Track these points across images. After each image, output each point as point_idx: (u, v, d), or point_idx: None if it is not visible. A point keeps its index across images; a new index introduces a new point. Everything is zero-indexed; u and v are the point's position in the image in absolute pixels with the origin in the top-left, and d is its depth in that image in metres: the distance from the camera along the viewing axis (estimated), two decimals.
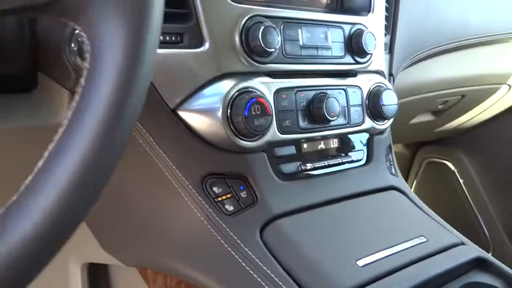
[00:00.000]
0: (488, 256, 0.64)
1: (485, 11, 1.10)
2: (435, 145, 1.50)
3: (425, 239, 0.63)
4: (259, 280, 0.54)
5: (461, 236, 0.68)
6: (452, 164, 1.48)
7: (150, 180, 0.61)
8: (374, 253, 0.58)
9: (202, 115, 0.58)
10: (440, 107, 1.18)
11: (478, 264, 0.64)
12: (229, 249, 0.56)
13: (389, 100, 0.72)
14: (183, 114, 0.58)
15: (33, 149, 0.62)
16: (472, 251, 0.64)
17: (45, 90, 0.60)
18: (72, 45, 0.54)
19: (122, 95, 0.29)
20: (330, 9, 0.74)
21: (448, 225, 0.70)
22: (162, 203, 0.61)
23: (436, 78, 1.05)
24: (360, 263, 0.56)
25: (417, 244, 0.62)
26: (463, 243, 0.66)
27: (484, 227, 1.43)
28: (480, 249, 0.66)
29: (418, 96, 1.04)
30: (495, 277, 0.62)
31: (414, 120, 1.18)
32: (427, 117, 1.22)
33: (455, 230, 0.69)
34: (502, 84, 1.22)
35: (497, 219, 1.41)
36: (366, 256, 0.57)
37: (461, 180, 1.47)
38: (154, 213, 0.62)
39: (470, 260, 0.62)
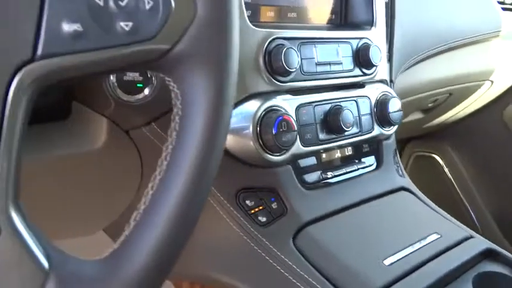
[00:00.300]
0: (496, 247, 0.70)
1: (467, 14, 1.17)
2: (422, 139, 1.58)
3: (438, 236, 0.69)
4: (297, 283, 0.59)
5: (468, 229, 0.74)
6: (439, 156, 1.55)
7: None
8: (397, 252, 0.64)
9: (233, 134, 0.62)
10: (430, 105, 1.24)
11: (487, 255, 0.70)
12: (266, 257, 0.61)
13: (396, 107, 0.77)
14: None
15: (70, 175, 0.65)
16: (481, 243, 0.70)
17: (80, 118, 0.63)
18: (111, 77, 0.58)
19: (213, 136, 0.34)
20: (335, 24, 0.80)
21: (454, 220, 0.76)
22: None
23: (427, 80, 1.12)
24: (386, 262, 0.62)
25: (433, 241, 0.68)
26: (472, 236, 0.72)
27: (473, 214, 1.51)
28: (488, 240, 0.72)
29: (411, 98, 1.10)
30: (503, 265, 0.69)
31: (405, 119, 1.24)
32: (417, 116, 1.29)
33: (462, 224, 0.75)
34: (485, 80, 1.29)
35: (484, 206, 1.50)
36: (390, 255, 0.63)
37: (448, 172, 1.54)
38: None
39: (481, 252, 0.69)
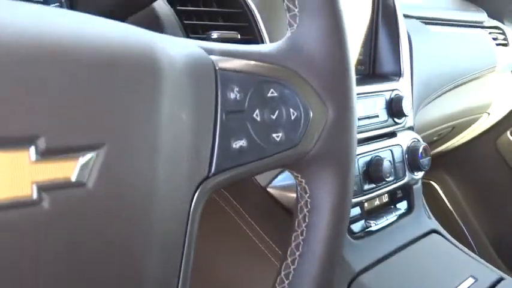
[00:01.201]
0: None
1: (468, 53, 1.24)
2: None
3: (474, 280, 0.74)
4: None
5: (496, 269, 0.79)
6: (436, 183, 1.61)
7: (238, 250, 0.68)
8: None
9: (287, 191, 0.65)
10: (434, 138, 1.30)
11: None
12: None
13: (426, 154, 0.82)
14: (271, 190, 0.65)
15: None
16: None
17: None
18: None
19: (340, 227, 0.37)
20: (364, 75, 0.84)
21: (483, 261, 0.81)
22: (249, 271, 0.68)
23: (434, 118, 1.18)
24: None
25: (470, 285, 0.72)
26: (502, 278, 0.77)
27: (470, 239, 1.57)
28: None
29: (421, 135, 1.16)
30: None
31: None
32: None
33: (490, 265, 0.80)
34: (483, 113, 1.37)
35: (481, 231, 1.56)
36: None
37: (445, 198, 1.61)
38: (240, 281, 0.69)
39: None
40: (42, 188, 0.22)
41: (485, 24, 1.38)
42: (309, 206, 0.37)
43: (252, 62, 0.33)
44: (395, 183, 0.78)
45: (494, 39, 1.37)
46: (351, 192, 0.38)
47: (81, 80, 0.24)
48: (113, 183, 0.24)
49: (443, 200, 1.61)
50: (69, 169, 0.23)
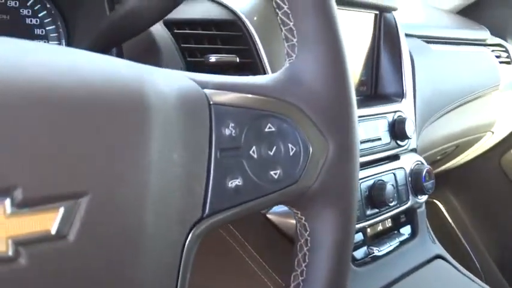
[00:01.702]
0: None
1: (472, 71, 1.23)
2: None
3: None
4: None
5: None
6: (440, 202, 1.59)
7: (238, 279, 0.66)
8: None
9: (287, 217, 0.63)
10: (438, 157, 1.28)
11: None
12: None
13: (430, 177, 0.80)
14: (271, 217, 0.63)
15: None
16: None
17: None
18: None
19: (342, 266, 0.35)
20: (365, 96, 0.83)
21: (487, 286, 0.79)
22: None
23: (438, 137, 1.16)
24: None
25: None
26: None
27: (474, 258, 1.55)
28: None
29: (424, 155, 1.14)
30: None
31: None
32: None
33: None
34: (487, 131, 1.35)
35: (485, 251, 1.54)
36: None
37: (449, 217, 1.58)
38: None
39: None
40: (19, 242, 0.20)
41: (488, 42, 1.37)
42: (308, 245, 0.35)
43: (249, 95, 0.32)
44: (398, 207, 0.76)
45: (497, 57, 1.36)
46: (353, 230, 0.36)
47: (59, 122, 0.22)
48: (96, 235, 0.23)
49: (447, 219, 1.58)
50: (48, 221, 0.21)
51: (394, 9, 0.85)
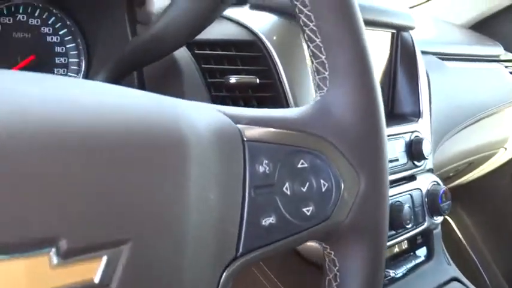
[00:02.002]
0: None
1: (487, 87, 1.22)
2: None
3: None
4: None
5: None
6: (450, 217, 1.58)
7: None
8: None
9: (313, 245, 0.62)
10: (450, 174, 1.28)
11: None
12: None
13: (446, 198, 0.79)
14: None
15: None
16: None
17: None
18: None
19: None
20: None
21: None
22: None
23: (452, 154, 1.15)
24: None
25: None
26: None
27: (485, 275, 1.53)
28: None
29: (438, 172, 1.13)
30: None
31: None
32: None
33: None
34: (500, 148, 1.34)
35: (496, 267, 1.52)
36: None
37: (459, 233, 1.57)
38: None
39: None
40: None
41: (502, 58, 1.36)
42: (338, 280, 0.35)
43: (281, 130, 0.31)
44: (415, 229, 0.76)
45: (511, 73, 1.36)
46: (383, 264, 0.36)
47: (101, 168, 0.22)
48: (137, 281, 0.22)
49: (457, 235, 1.57)
50: (92, 270, 0.21)
51: (412, 28, 0.85)
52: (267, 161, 0.30)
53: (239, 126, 0.30)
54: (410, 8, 1.46)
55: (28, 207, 0.19)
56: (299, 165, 0.31)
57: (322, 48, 0.33)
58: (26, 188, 0.19)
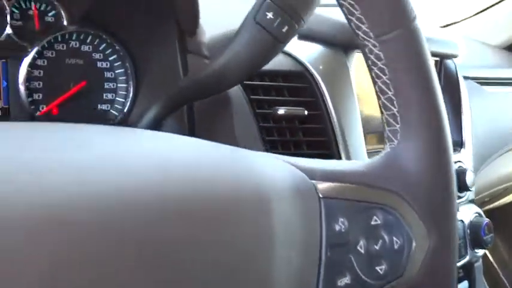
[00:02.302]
0: None
1: None
2: None
3: None
4: None
5: None
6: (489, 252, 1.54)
7: None
8: None
9: None
10: (486, 200, 1.25)
11: None
12: None
13: (489, 231, 0.78)
14: None
15: None
16: None
17: None
18: None
19: None
20: None
21: None
22: None
23: (490, 180, 1.13)
24: None
25: None
26: None
27: None
28: None
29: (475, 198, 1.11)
30: None
31: None
32: None
33: None
34: None
35: None
36: None
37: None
38: None
39: None
40: None
41: None
42: None
43: (354, 186, 0.31)
44: (457, 262, 0.74)
45: None
46: None
47: (193, 237, 0.22)
48: None
49: (496, 269, 1.53)
50: None
51: (455, 57, 0.84)
52: (342, 219, 0.29)
53: (314, 182, 0.30)
54: (442, 27, 1.44)
55: None
56: (372, 222, 0.31)
57: (395, 102, 0.33)
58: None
